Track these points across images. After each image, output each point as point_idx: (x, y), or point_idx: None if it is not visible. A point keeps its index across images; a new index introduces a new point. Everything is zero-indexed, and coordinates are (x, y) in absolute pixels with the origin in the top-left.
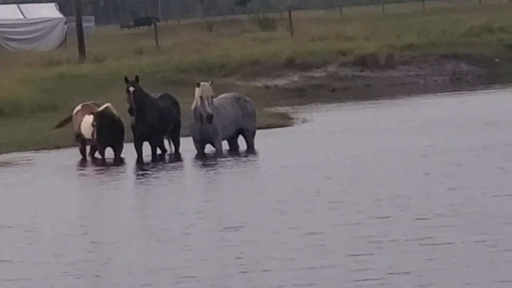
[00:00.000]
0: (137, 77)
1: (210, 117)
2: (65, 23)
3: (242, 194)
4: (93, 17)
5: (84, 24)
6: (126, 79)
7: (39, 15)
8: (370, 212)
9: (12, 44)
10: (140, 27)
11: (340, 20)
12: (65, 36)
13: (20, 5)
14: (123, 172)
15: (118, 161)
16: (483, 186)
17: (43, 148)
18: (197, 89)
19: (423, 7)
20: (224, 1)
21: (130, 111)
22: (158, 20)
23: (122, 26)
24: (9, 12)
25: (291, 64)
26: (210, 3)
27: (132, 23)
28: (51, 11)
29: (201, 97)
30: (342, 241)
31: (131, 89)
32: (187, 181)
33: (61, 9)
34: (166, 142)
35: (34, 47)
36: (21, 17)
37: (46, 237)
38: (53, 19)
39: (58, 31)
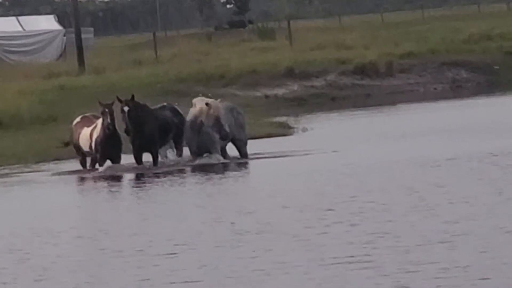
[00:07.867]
0: (133, 96)
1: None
2: (64, 35)
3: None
4: (92, 29)
5: (83, 36)
6: (119, 99)
7: (38, 27)
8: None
9: (11, 56)
10: (233, 29)
11: (339, 29)
12: (64, 48)
13: (19, 18)
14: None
15: None
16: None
17: (43, 160)
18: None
19: (422, 15)
20: (223, 11)
21: (127, 131)
22: (252, 22)
23: (216, 29)
24: (8, 25)
25: (291, 73)
26: (209, 13)
27: (226, 26)
28: (50, 23)
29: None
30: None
31: (126, 108)
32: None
33: (60, 21)
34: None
35: (34, 59)
36: (20, 29)
37: None
38: (52, 31)
39: (57, 43)
